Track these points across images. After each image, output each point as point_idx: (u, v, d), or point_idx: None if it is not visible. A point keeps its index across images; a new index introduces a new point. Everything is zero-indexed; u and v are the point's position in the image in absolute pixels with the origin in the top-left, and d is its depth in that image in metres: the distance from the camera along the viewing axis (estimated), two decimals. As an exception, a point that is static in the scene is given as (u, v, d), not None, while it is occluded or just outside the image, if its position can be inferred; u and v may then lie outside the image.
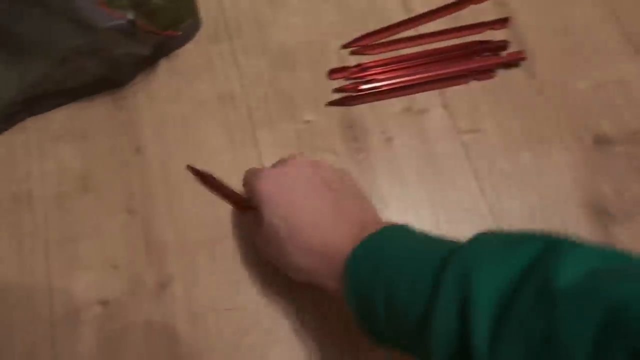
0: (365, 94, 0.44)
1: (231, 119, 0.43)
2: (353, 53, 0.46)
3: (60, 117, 0.42)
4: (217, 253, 0.38)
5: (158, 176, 0.40)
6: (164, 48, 0.43)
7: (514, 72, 0.45)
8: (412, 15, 0.47)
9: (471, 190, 0.41)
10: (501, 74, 0.45)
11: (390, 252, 0.28)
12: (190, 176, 0.40)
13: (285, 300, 0.37)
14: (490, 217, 0.40)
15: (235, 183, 0.40)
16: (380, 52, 0.46)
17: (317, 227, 0.31)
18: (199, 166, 0.41)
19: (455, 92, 0.44)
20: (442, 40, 0.46)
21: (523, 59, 0.45)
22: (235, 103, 0.43)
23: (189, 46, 0.45)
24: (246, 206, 0.37)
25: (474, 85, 0.45)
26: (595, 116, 0.44)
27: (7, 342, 0.35)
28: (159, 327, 0.36)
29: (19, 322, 0.36)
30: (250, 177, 0.34)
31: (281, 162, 0.35)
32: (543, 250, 0.23)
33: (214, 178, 0.39)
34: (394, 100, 0.44)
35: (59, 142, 0.41)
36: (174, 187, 0.40)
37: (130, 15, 0.37)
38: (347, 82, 0.44)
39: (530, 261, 0.22)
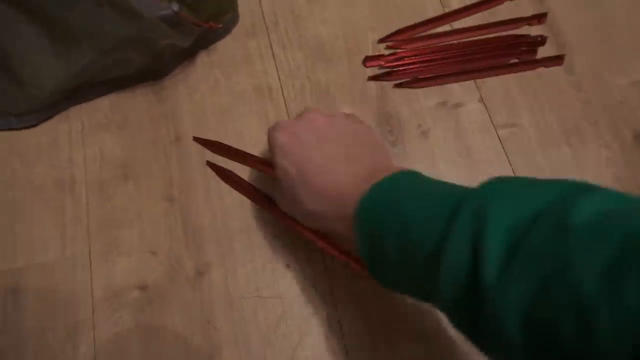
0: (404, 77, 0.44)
1: (268, 110, 0.43)
2: (388, 47, 0.46)
3: (102, 107, 0.43)
4: (255, 241, 0.39)
5: (197, 165, 0.41)
6: (203, 41, 0.44)
7: (552, 67, 0.45)
8: (448, 10, 0.47)
9: (508, 184, 0.41)
10: (539, 69, 0.45)
11: (404, 193, 0.28)
12: (230, 167, 0.41)
13: (321, 289, 0.37)
14: (527, 211, 0.40)
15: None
16: (416, 47, 0.46)
17: (328, 172, 0.31)
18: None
19: (491, 86, 0.44)
20: (479, 35, 0.46)
21: (560, 64, 0.45)
22: (272, 95, 0.44)
23: (227, 39, 0.45)
24: (267, 202, 0.39)
25: (511, 80, 0.44)
26: (635, 112, 0.43)
27: (50, 324, 0.36)
28: (197, 312, 0.37)
29: (61, 305, 0.37)
30: (270, 128, 0.35)
31: (300, 113, 0.36)
32: (560, 193, 0.22)
33: (232, 173, 0.40)
34: (429, 94, 0.44)
35: (101, 130, 0.42)
36: (212, 176, 0.41)
37: (175, 7, 0.37)
38: (382, 71, 0.44)
39: (547, 202, 0.22)
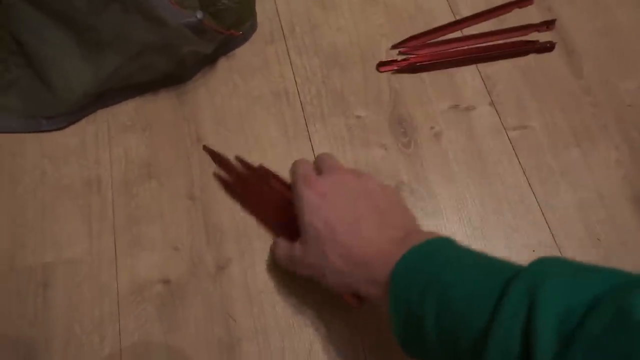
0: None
1: (285, 113, 0.45)
2: (402, 53, 0.47)
3: (128, 109, 0.45)
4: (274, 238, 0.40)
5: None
6: (224, 47, 0.46)
7: (561, 72, 0.46)
8: (459, 17, 0.49)
9: (519, 184, 0.42)
10: (548, 73, 0.46)
11: (443, 263, 0.26)
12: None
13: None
14: (538, 211, 0.41)
15: (288, 175, 0.42)
16: (428, 52, 0.47)
17: (359, 231, 0.31)
18: (256, 157, 0.43)
19: (501, 90, 0.46)
20: (489, 41, 0.48)
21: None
22: (289, 99, 0.45)
23: (246, 46, 0.47)
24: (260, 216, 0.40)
25: (521, 84, 0.46)
26: (644, 115, 0.44)
27: (77, 317, 0.38)
28: (217, 306, 0.38)
29: (87, 298, 0.38)
30: (297, 180, 0.34)
31: (327, 169, 0.35)
32: (619, 282, 0.22)
33: (233, 185, 0.41)
34: (441, 98, 0.45)
35: (127, 132, 0.44)
36: (232, 176, 0.42)
37: (199, 14, 0.39)
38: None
39: (605, 289, 0.21)
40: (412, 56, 0.47)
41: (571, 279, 0.22)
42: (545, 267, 0.23)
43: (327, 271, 0.31)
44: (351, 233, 0.31)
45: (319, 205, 0.32)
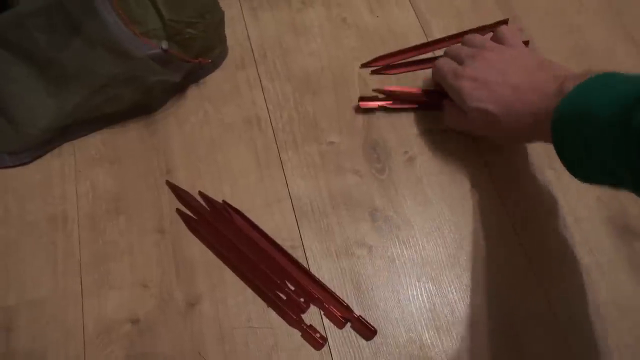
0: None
1: (257, 141, 0.44)
2: (373, 73, 0.47)
3: (94, 142, 0.44)
4: (245, 272, 0.39)
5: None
6: (193, 75, 0.45)
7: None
8: (431, 40, 0.48)
9: (495, 209, 0.41)
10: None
11: (591, 93, 0.31)
12: (220, 197, 0.42)
13: (312, 318, 0.38)
14: (515, 236, 0.40)
15: (260, 203, 0.41)
16: (399, 72, 0.47)
17: (518, 98, 0.36)
18: (227, 187, 0.42)
19: (475, 113, 0.45)
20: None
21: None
22: (261, 126, 0.45)
23: (217, 73, 0.47)
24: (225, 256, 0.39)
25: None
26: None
27: (40, 359, 0.36)
28: (188, 344, 0.37)
29: (52, 340, 0.37)
30: (446, 77, 0.40)
31: (466, 57, 0.40)
32: None
33: (197, 222, 0.40)
34: (416, 122, 0.45)
35: (93, 165, 0.43)
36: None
37: (164, 45, 0.39)
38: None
39: None
40: (390, 87, 0.45)
41: None
42: None
43: (504, 136, 0.39)
44: (514, 102, 0.36)
45: (474, 89, 0.38)
